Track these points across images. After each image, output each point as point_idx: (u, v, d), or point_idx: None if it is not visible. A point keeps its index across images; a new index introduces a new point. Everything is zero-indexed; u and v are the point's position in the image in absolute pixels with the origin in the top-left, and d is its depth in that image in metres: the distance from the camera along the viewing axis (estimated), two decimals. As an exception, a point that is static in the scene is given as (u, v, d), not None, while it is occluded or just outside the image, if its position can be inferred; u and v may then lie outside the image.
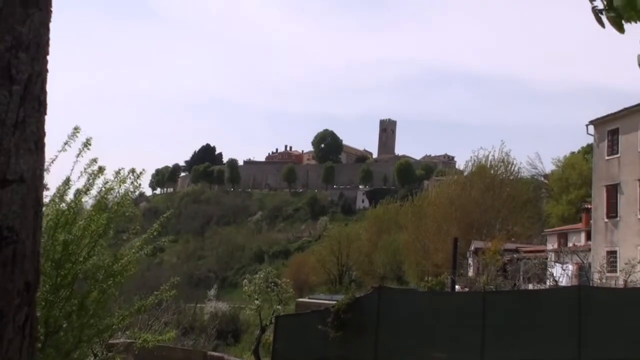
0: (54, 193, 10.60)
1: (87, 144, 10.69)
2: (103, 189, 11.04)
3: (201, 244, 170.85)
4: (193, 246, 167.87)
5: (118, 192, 11.23)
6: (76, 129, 10.31)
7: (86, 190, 10.82)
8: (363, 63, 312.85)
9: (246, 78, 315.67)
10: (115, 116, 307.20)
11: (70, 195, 10.78)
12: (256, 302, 27.02)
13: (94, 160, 10.97)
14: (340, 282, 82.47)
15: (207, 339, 34.85)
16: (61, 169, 10.59)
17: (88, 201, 11.09)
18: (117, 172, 11.29)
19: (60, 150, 9.98)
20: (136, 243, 11.95)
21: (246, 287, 27.73)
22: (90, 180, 10.89)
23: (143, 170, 11.49)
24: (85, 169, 10.87)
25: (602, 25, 2.67)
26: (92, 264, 10.65)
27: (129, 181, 11.31)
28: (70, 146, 10.15)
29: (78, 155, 10.65)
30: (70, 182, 10.78)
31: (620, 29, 2.66)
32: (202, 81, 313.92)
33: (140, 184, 11.52)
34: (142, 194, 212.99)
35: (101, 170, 10.97)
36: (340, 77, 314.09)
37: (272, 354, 21.73)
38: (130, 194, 11.36)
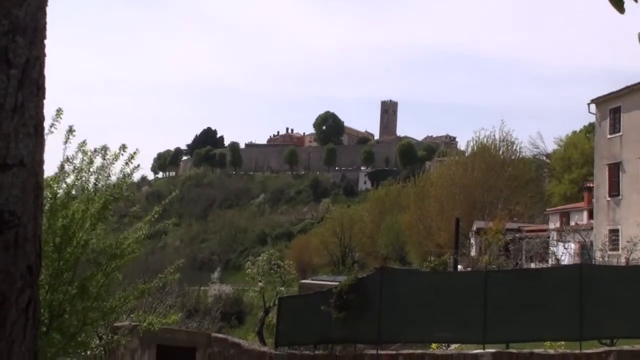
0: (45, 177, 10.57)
1: (70, 130, 10.67)
2: (97, 169, 11.04)
3: (204, 227, 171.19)
4: (196, 229, 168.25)
5: (115, 173, 11.23)
6: (59, 111, 10.19)
7: (76, 170, 10.81)
8: (364, 46, 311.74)
9: (247, 62, 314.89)
10: (116, 101, 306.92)
11: (66, 180, 10.79)
12: (259, 284, 27.11)
13: (84, 143, 10.95)
14: (343, 263, 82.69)
15: (212, 321, 35.04)
16: (52, 155, 10.60)
17: (87, 184, 11.07)
18: (104, 149, 11.18)
19: (47, 133, 9.88)
20: (138, 226, 11.98)
21: (249, 270, 27.81)
22: (84, 162, 10.88)
23: (136, 150, 11.45)
24: (76, 151, 10.88)
25: (622, 10, 2.65)
26: (94, 247, 10.68)
27: (122, 160, 11.27)
28: (56, 128, 10.08)
29: (66, 142, 10.64)
30: (64, 168, 10.79)
31: (621, 9, 2.66)
32: (203, 65, 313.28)
33: (138, 165, 11.48)
34: (144, 178, 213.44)
35: (93, 151, 10.96)
36: (341, 59, 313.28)
37: (275, 335, 21.85)
38: (127, 177, 11.33)
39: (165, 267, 12.81)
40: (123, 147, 11.38)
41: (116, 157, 11.25)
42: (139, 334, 14.15)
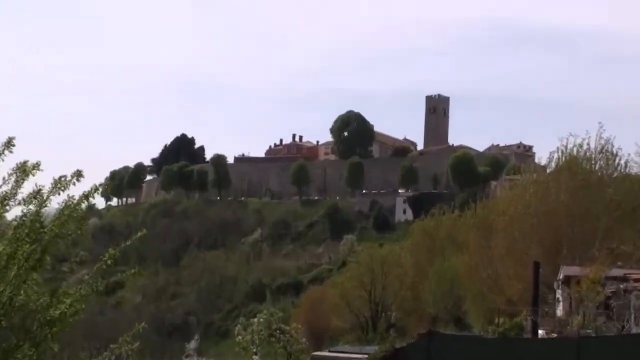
0: None
1: (8, 144, 10.78)
2: (34, 201, 11.07)
3: (176, 275, 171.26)
4: (164, 279, 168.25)
5: (56, 205, 11.25)
6: None
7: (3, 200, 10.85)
8: (402, 21, 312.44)
9: (236, 44, 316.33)
10: (56, 104, 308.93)
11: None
12: (255, 357, 27.08)
13: (23, 165, 11.02)
14: (373, 327, 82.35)
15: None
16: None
17: (11, 218, 11.11)
18: (57, 181, 11.28)
19: None
20: (84, 277, 11.97)
21: (240, 337, 27.80)
22: (14, 190, 10.92)
23: (80, 172, 11.49)
24: (9, 174, 10.94)
25: None
26: (20, 307, 10.66)
27: (72, 189, 11.31)
28: None
29: None
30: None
31: None
32: (174, 50, 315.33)
33: (95, 189, 11.50)
34: (91, 207, 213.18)
35: (26, 172, 10.99)
36: (372, 40, 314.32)
37: None
38: (74, 208, 11.34)
39: (119, 333, 12.77)
40: (78, 174, 11.43)
41: (62, 186, 11.28)
42: None
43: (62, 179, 11.37)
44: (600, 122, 68.37)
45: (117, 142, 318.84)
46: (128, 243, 13.00)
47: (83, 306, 11.51)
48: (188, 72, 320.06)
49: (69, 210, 11.31)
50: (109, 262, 12.08)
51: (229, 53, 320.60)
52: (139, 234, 13.76)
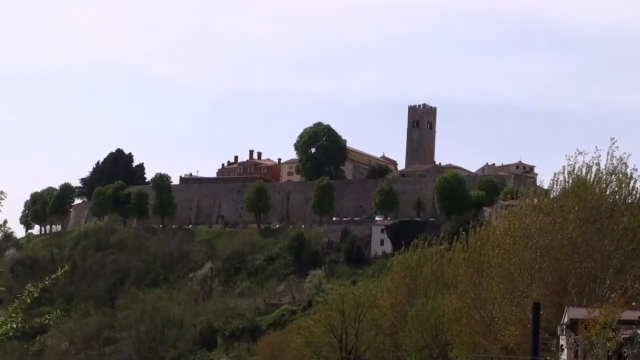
0: None
1: None
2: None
3: (110, 318, 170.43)
4: (96, 322, 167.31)
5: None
6: None
7: None
8: (381, 14, 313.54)
9: (184, 37, 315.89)
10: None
11: None
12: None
13: None
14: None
15: None
16: None
17: None
18: None
19: None
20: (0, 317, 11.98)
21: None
22: None
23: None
24: None
25: None
26: None
27: None
28: None
29: None
30: None
31: None
32: (105, 45, 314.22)
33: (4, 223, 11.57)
34: (8, 236, 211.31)
35: None
36: (345, 38, 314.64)
37: None
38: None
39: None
40: None
41: None
42: None
43: None
44: (612, 138, 67.22)
45: (39, 158, 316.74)
46: (47, 282, 12.98)
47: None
48: (124, 72, 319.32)
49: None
50: (29, 300, 12.07)
51: (173, 49, 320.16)
52: (61, 270, 13.68)
